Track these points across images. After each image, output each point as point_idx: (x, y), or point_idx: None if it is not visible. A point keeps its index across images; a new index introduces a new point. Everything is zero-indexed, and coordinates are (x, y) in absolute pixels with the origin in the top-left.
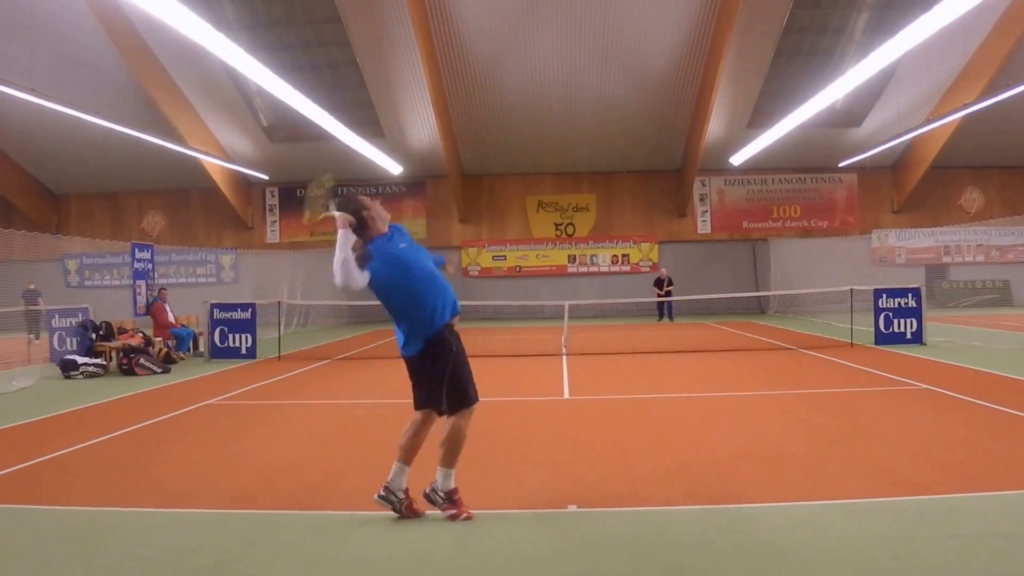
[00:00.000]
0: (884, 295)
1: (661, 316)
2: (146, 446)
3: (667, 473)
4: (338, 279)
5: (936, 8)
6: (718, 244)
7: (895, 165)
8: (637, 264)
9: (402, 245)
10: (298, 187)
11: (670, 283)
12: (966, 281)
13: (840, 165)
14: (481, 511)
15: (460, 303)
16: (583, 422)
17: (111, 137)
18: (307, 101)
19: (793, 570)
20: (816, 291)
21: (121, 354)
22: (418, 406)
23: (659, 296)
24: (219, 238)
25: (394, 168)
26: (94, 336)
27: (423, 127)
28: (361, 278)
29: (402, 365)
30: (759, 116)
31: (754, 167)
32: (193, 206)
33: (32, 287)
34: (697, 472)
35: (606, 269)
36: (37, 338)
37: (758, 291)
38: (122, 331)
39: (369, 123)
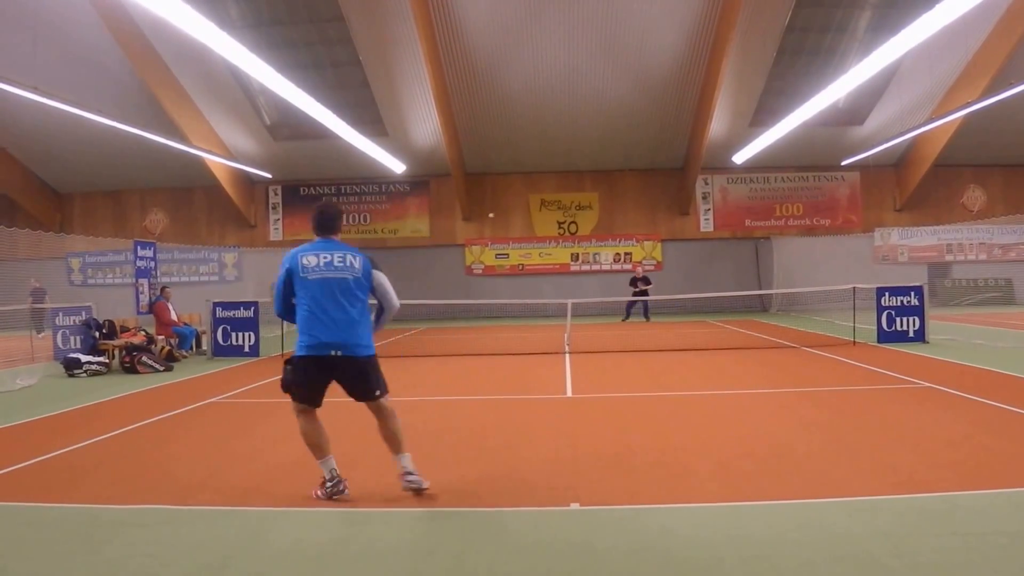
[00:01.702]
0: (887, 293)
1: (628, 316)
2: (149, 444)
3: (669, 471)
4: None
5: (938, 7)
6: (721, 242)
7: (898, 163)
8: (640, 262)
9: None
10: (301, 185)
11: (647, 282)
12: (968, 279)
13: (843, 163)
14: (484, 509)
15: (464, 302)
16: (586, 420)
17: (114, 135)
18: (310, 100)
19: (795, 568)
20: (819, 289)
21: (124, 352)
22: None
23: (633, 294)
24: (222, 236)
25: (397, 167)
26: (97, 334)
27: (426, 126)
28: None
29: (403, 363)
30: (762, 114)
31: (757, 165)
32: (196, 204)
33: (38, 285)
34: (700, 470)
35: (609, 267)
36: (40, 334)
37: (761, 289)
38: (125, 329)
39: (372, 122)
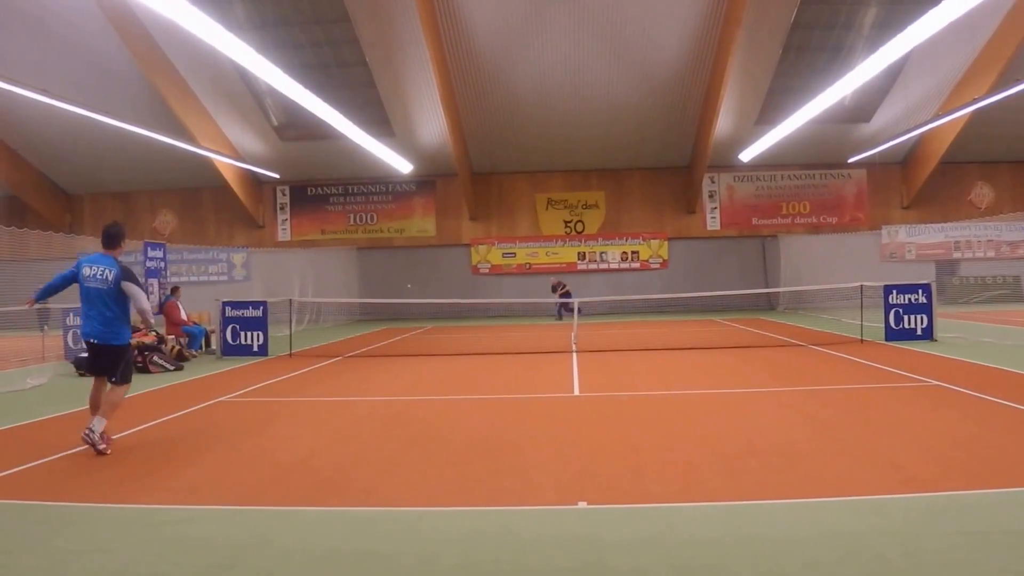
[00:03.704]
0: (894, 291)
1: (561, 316)
2: (158, 443)
3: (676, 470)
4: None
5: (945, 2)
6: (727, 240)
7: (904, 160)
8: (647, 261)
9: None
10: (309, 186)
11: (564, 288)
12: (976, 277)
13: (849, 161)
14: (491, 508)
15: (470, 301)
16: (593, 419)
17: (123, 137)
18: (317, 100)
19: (801, 567)
20: (826, 287)
21: (136, 352)
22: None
23: (559, 298)
24: (230, 236)
25: (404, 167)
26: None
27: (432, 126)
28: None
29: (409, 363)
30: (768, 112)
31: (763, 163)
32: (205, 205)
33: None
34: (706, 469)
35: (615, 266)
36: (43, 330)
37: (767, 287)
38: (135, 329)
39: (379, 122)
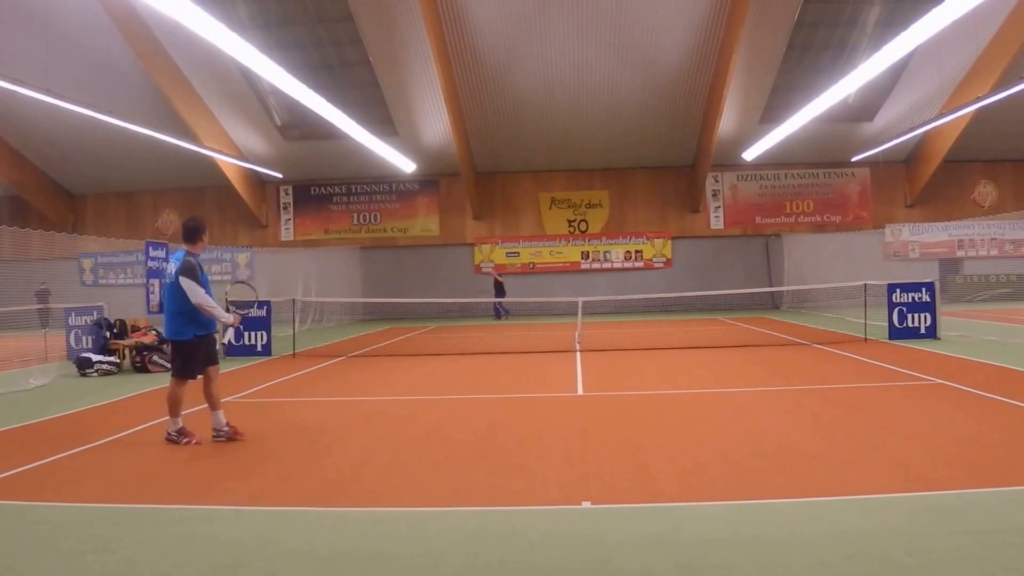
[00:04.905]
0: (898, 290)
1: (499, 316)
2: (161, 443)
3: (681, 469)
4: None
5: (948, 1)
6: (731, 239)
7: (908, 159)
8: (650, 260)
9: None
10: (312, 185)
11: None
12: (980, 275)
13: (853, 160)
14: (495, 508)
15: (473, 300)
16: (597, 418)
17: (127, 137)
18: (320, 100)
19: (807, 566)
20: (829, 286)
21: (135, 352)
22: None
23: (497, 294)
24: (234, 236)
25: (407, 166)
26: (108, 334)
27: (436, 125)
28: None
29: (412, 362)
30: (771, 111)
31: (767, 162)
32: (208, 205)
33: (42, 287)
34: (710, 468)
35: (619, 265)
36: (45, 329)
37: (771, 286)
38: (136, 329)
39: (382, 121)
